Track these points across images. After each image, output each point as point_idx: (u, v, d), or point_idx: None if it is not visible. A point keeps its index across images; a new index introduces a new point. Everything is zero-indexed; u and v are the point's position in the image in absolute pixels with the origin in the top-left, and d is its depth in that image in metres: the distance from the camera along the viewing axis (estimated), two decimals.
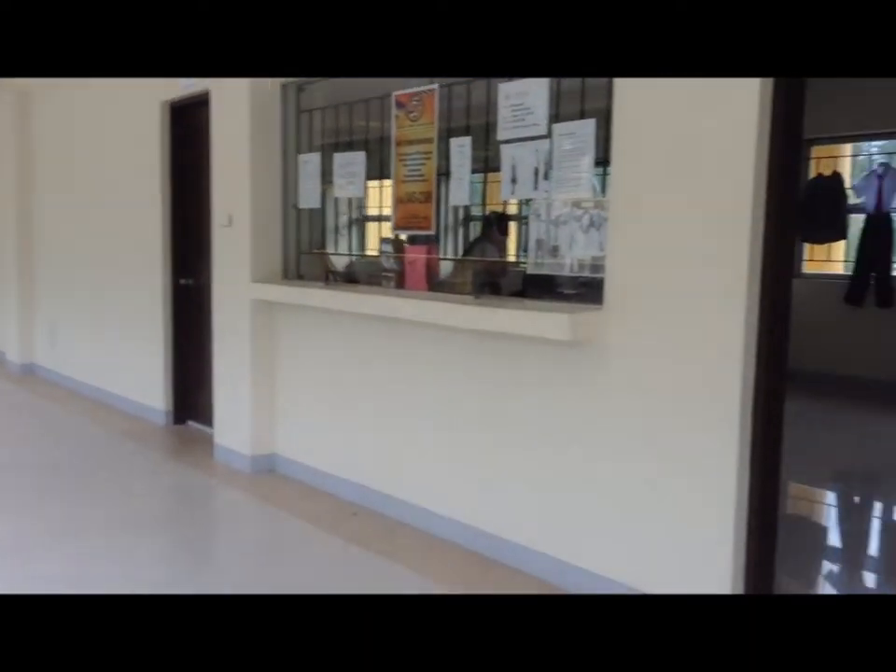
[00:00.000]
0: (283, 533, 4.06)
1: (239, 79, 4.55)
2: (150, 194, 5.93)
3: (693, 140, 2.75)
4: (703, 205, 2.73)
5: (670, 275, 2.83)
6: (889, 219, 6.93)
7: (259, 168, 4.68)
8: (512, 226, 5.62)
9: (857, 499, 5.00)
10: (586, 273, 3.18)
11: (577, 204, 3.17)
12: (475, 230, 5.87)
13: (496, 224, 3.59)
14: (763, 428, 2.66)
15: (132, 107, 6.05)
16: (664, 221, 2.84)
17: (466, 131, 3.65)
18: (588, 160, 3.12)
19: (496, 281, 4.02)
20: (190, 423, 6.01)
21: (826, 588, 3.61)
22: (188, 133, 5.67)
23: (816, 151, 7.38)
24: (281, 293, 4.56)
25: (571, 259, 3.21)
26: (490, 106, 3.49)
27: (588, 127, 3.10)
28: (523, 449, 3.42)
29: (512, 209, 4.82)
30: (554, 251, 3.27)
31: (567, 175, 3.20)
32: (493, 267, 4.38)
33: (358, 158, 4.20)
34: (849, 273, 7.15)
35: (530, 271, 3.37)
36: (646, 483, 2.94)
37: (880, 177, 6.86)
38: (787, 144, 2.66)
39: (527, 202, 3.41)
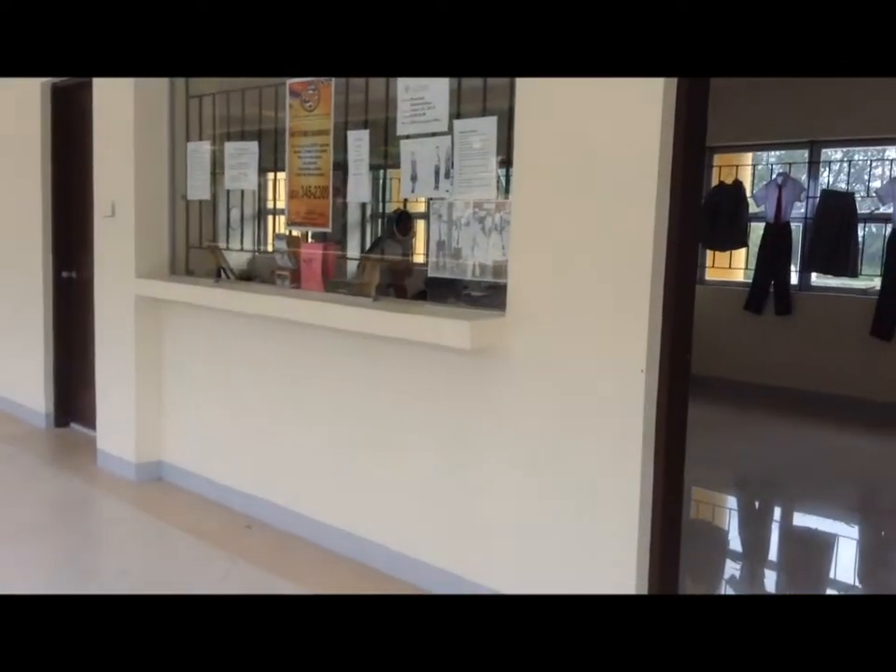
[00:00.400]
0: (166, 549, 3.78)
1: None
2: (31, 181, 5.50)
3: (595, 144, 2.63)
4: (605, 210, 2.63)
5: (573, 282, 2.72)
6: (787, 228, 7.08)
7: (143, 155, 4.36)
8: (422, 224, 5.48)
9: (755, 503, 5.06)
10: (489, 278, 3.04)
11: (479, 206, 3.02)
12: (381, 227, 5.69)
13: (395, 223, 3.41)
14: (667, 436, 2.58)
15: (10, 88, 5.59)
16: (566, 226, 2.73)
17: (364, 124, 3.45)
18: (490, 159, 2.97)
19: (399, 283, 3.85)
20: (74, 426, 5.61)
21: (725, 587, 3.60)
22: (71, 116, 5.28)
23: (718, 160, 7.49)
24: (167, 290, 4.26)
25: (474, 262, 3.06)
26: (390, 101, 3.31)
27: (490, 125, 2.96)
28: (420, 460, 3.26)
29: (421, 206, 4.67)
30: (456, 254, 3.12)
31: (468, 175, 3.05)
32: (396, 267, 4.22)
33: (250, 148, 3.94)
34: (749, 281, 7.28)
35: (431, 273, 3.21)
36: (548, 494, 2.82)
37: (779, 187, 7.00)
38: (691, 149, 2.58)
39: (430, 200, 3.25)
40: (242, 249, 4.28)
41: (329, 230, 3.64)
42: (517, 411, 2.89)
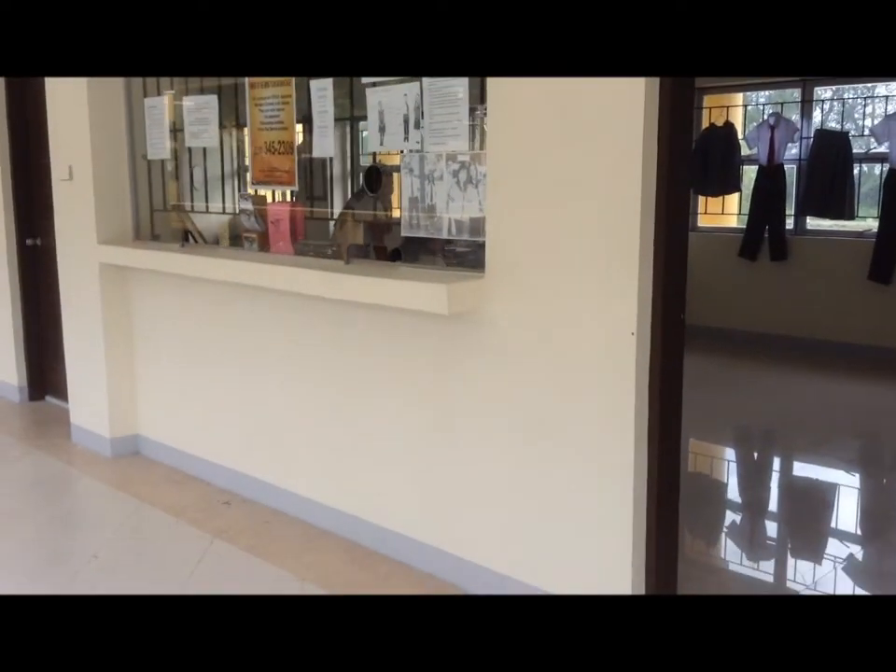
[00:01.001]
0: (141, 527, 3.61)
1: None
2: None
3: (577, 86, 2.40)
4: (589, 159, 2.40)
5: (557, 238, 2.50)
6: (781, 171, 6.83)
7: (99, 113, 4.09)
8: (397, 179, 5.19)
9: (752, 455, 4.93)
10: (466, 236, 2.82)
11: (452, 158, 2.80)
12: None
13: (364, 180, 3.18)
14: (661, 404, 2.39)
15: None
16: (547, 177, 2.51)
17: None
18: (463, 107, 2.73)
19: (379, 242, 3.62)
20: (49, 399, 5.42)
21: (725, 547, 3.49)
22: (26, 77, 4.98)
23: (707, 101, 7.21)
24: (130, 256, 4.04)
25: (450, 219, 2.84)
26: None
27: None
28: (402, 432, 3.08)
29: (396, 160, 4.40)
30: (430, 211, 2.90)
31: (440, 125, 2.81)
32: (374, 225, 3.97)
33: (210, 102, 3.68)
34: (743, 227, 7.06)
35: (405, 232, 2.99)
36: (538, 465, 2.65)
37: (772, 128, 6.74)
38: (679, 87, 2.35)
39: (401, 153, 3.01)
40: (207, 211, 4.04)
41: (294, 187, 3.41)
42: (501, 378, 2.71)
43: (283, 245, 3.48)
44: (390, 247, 3.18)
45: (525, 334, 2.61)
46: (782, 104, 6.92)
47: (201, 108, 3.73)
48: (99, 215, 4.17)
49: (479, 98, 2.75)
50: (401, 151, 2.98)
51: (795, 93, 6.80)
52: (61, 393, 5.13)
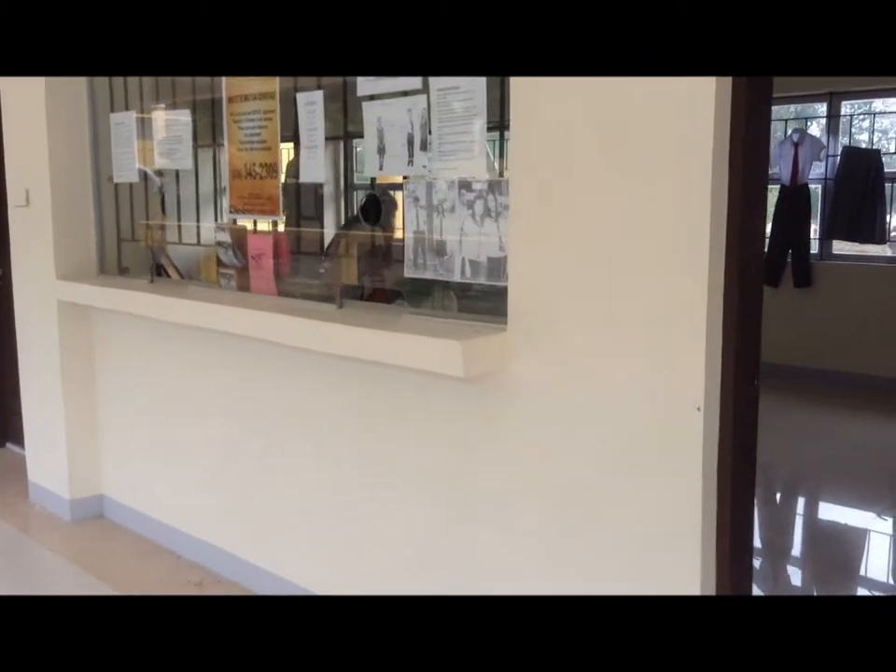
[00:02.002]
0: None
1: None
2: None
3: (626, 99, 1.92)
4: (642, 186, 1.92)
5: (599, 283, 2.02)
6: (805, 191, 6.38)
7: (59, 131, 3.60)
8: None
9: (781, 499, 4.44)
10: (482, 280, 2.33)
11: (466, 185, 2.31)
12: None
13: (361, 210, 2.72)
14: (733, 499, 1.90)
15: None
16: (586, 207, 2.02)
17: (318, 84, 2.72)
18: (479, 124, 2.25)
19: (377, 275, 3.13)
20: (10, 446, 4.90)
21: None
22: None
23: None
24: (92, 295, 3.53)
25: (462, 259, 2.35)
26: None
27: (478, 80, 2.23)
28: (408, 520, 2.58)
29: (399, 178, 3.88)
30: (439, 249, 2.41)
31: (451, 146, 2.33)
32: (371, 260, 3.46)
33: (182, 118, 3.20)
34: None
35: (408, 272, 2.50)
36: (576, 559, 2.15)
37: (795, 145, 6.30)
38: (755, 101, 1.87)
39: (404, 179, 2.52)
40: (180, 241, 3.54)
41: (278, 217, 2.92)
42: (530, 454, 2.21)
43: (265, 283, 2.98)
44: (390, 286, 2.70)
45: (559, 403, 2.12)
46: (807, 119, 6.48)
47: (172, 125, 3.24)
48: (58, 245, 3.67)
49: (499, 112, 2.28)
50: (404, 177, 2.50)
51: (821, 108, 6.36)
52: (22, 440, 4.62)
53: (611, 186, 1.97)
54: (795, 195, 6.38)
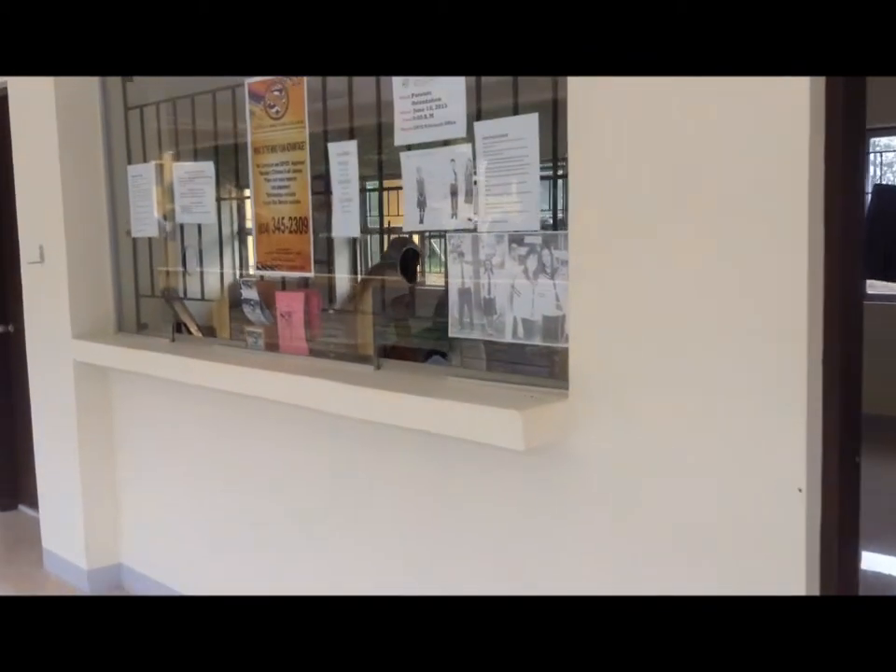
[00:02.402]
0: None
1: None
2: None
3: (710, 136, 1.74)
4: (723, 235, 1.74)
5: (677, 344, 1.83)
6: None
7: (74, 184, 3.47)
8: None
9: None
10: (537, 341, 2.15)
11: (517, 240, 2.14)
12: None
13: (398, 266, 2.54)
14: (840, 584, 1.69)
15: None
16: (659, 263, 1.84)
17: (350, 133, 2.57)
18: (531, 172, 2.08)
19: (401, 318, 2.94)
20: (23, 508, 4.71)
21: None
22: None
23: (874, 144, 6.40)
24: (110, 355, 3.36)
25: (514, 318, 2.17)
26: (383, 102, 2.45)
27: (528, 125, 2.07)
28: (459, 583, 2.37)
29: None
30: (488, 307, 2.23)
31: (500, 197, 2.16)
32: (405, 313, 3.22)
33: (205, 170, 3.05)
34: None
35: (453, 332, 2.32)
36: None
37: None
38: (850, 140, 1.70)
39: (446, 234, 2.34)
40: (203, 299, 3.38)
41: (310, 274, 2.75)
42: (598, 538, 2.00)
43: (296, 343, 2.81)
44: (432, 345, 2.52)
45: (631, 480, 1.91)
46: None
47: (193, 178, 3.09)
48: (74, 303, 3.51)
49: (552, 156, 2.12)
50: (444, 232, 2.33)
51: None
52: (36, 502, 4.43)
53: (686, 237, 1.79)
54: None
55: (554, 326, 2.09)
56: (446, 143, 2.26)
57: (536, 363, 2.20)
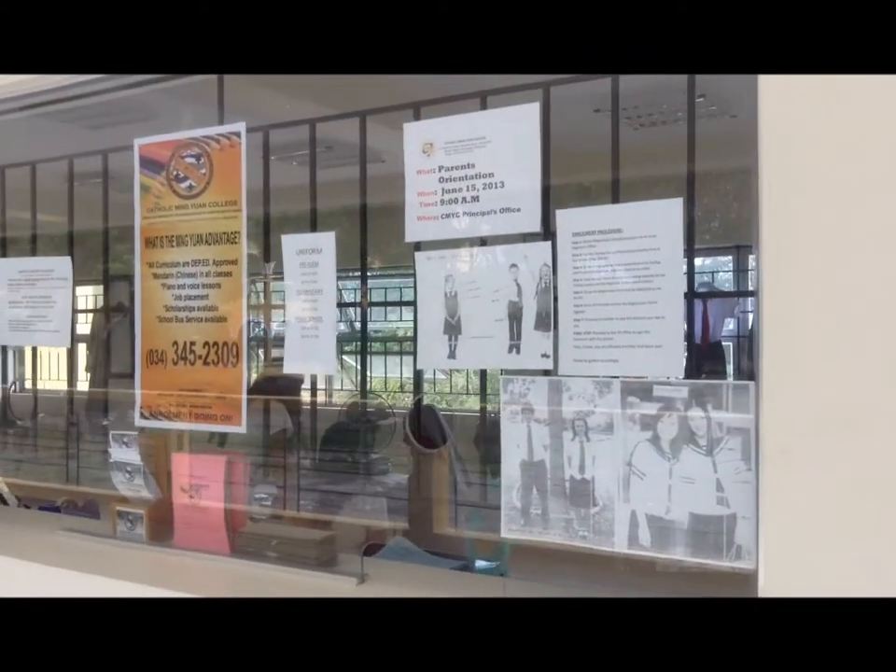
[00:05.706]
0: None
1: None
2: None
3: None
4: None
5: None
6: (719, 349, 6.01)
7: None
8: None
9: None
10: (677, 554, 1.35)
11: (641, 391, 1.36)
12: None
13: (407, 426, 1.67)
14: None
15: None
16: None
17: (313, 222, 1.72)
18: (671, 287, 1.35)
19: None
20: None
21: None
22: None
23: None
24: None
25: (632, 513, 1.37)
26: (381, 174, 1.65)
27: (667, 213, 1.35)
28: None
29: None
30: (578, 494, 1.41)
31: (603, 323, 1.40)
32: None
33: (58, 267, 2.03)
34: None
35: (508, 533, 1.48)
36: None
37: (705, 301, 5.96)
38: None
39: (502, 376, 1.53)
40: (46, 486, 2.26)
41: (241, 428, 1.79)
42: None
43: (208, 534, 1.81)
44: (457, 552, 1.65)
45: None
46: (713, 272, 6.22)
47: (36, 280, 2.06)
48: None
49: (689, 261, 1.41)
50: (501, 372, 1.51)
51: (729, 261, 6.15)
52: None
53: None
54: (709, 353, 5.98)
55: (715, 530, 1.31)
56: (506, 238, 1.48)
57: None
